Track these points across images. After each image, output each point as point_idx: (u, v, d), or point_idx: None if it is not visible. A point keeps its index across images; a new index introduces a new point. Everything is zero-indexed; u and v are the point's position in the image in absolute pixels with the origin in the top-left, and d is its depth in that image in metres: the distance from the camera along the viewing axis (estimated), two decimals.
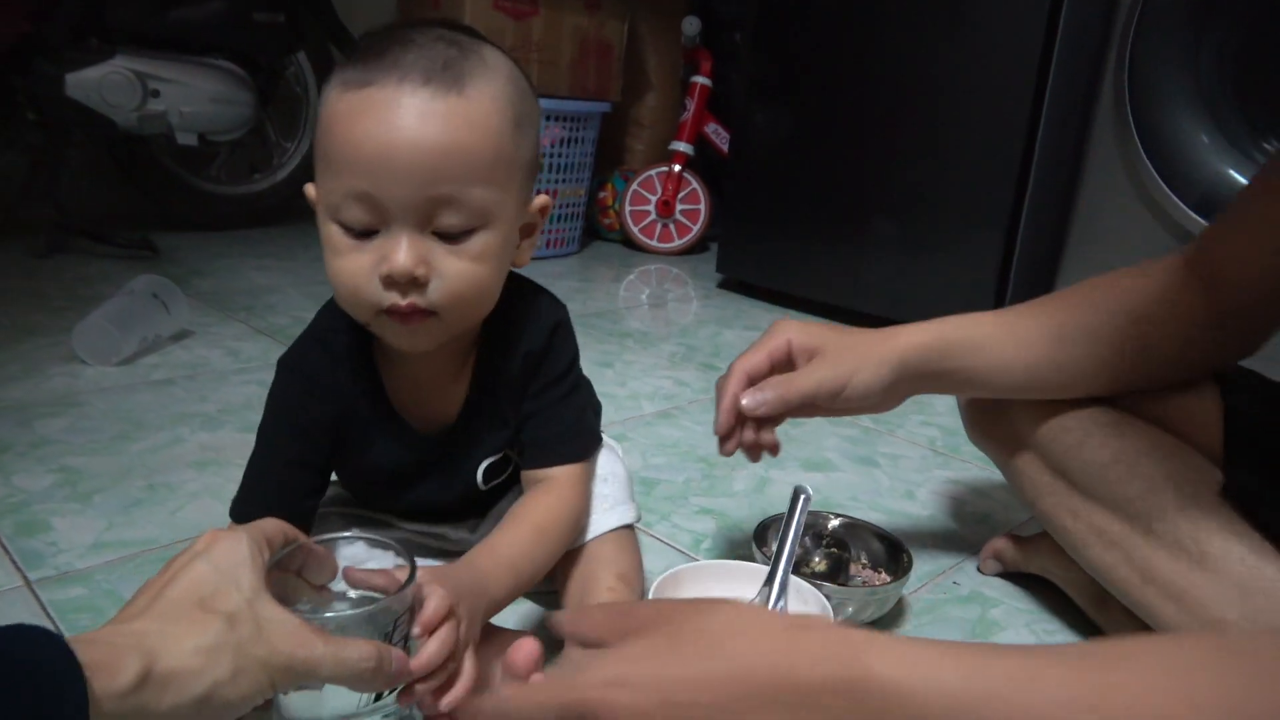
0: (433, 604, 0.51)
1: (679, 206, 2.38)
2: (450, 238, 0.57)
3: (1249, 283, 0.64)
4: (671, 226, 2.40)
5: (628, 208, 2.39)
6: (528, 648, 0.51)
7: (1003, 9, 1.52)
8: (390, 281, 0.56)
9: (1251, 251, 0.64)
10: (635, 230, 2.40)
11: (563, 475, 0.67)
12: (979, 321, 0.72)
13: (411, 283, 0.56)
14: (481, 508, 0.75)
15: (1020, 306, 0.73)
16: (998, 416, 0.78)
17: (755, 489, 1.00)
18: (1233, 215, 0.66)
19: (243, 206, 2.21)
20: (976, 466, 1.10)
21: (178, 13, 1.86)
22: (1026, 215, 1.59)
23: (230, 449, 1.00)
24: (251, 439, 0.87)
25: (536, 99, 0.62)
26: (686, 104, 2.39)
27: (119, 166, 2.07)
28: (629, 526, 0.72)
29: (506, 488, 0.74)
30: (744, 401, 0.68)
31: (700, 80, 2.36)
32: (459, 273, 0.57)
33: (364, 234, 0.56)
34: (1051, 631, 0.77)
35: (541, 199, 0.65)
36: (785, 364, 0.71)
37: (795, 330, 0.71)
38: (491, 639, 0.59)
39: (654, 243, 2.41)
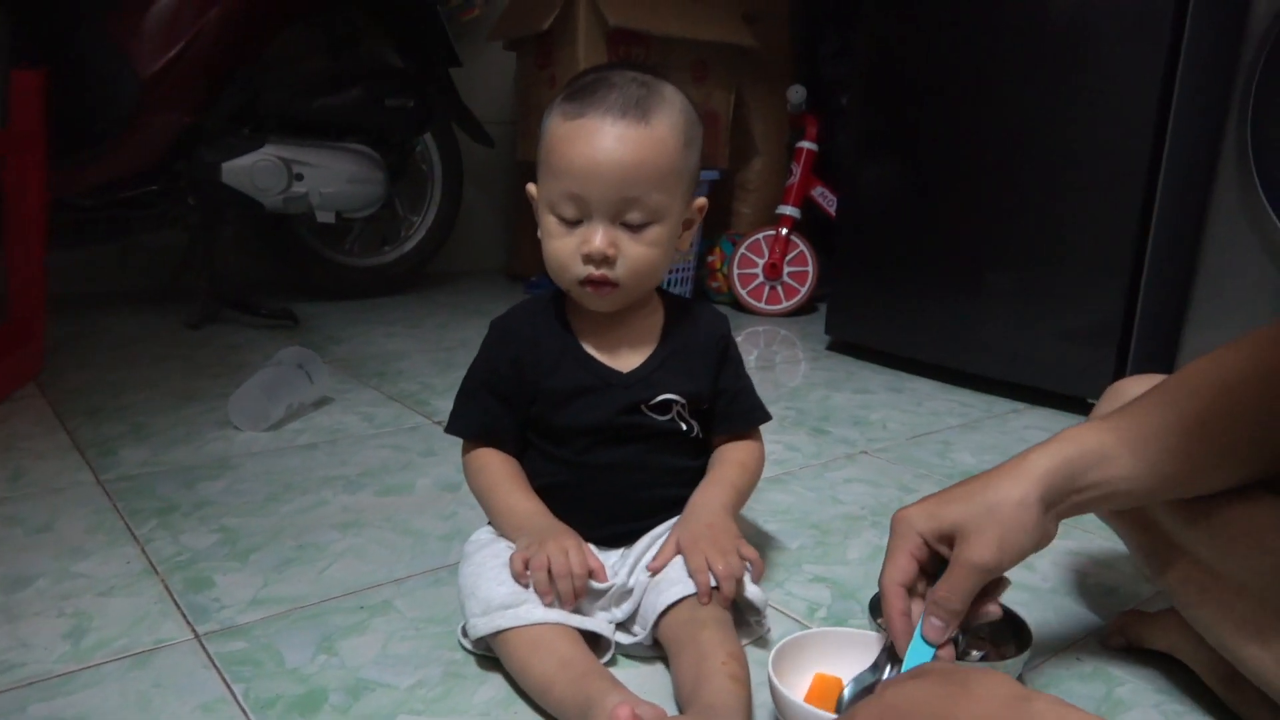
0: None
1: (786, 269, 2.41)
2: (633, 228, 0.76)
3: None
4: (779, 289, 2.43)
5: (736, 270, 2.44)
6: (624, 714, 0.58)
7: (1117, 60, 1.51)
8: (589, 258, 0.76)
9: None
10: (743, 293, 2.44)
11: (753, 434, 0.90)
12: (1095, 430, 0.67)
13: (603, 260, 0.75)
14: (629, 524, 0.84)
15: (1126, 407, 0.69)
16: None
17: (869, 557, 1.01)
18: None
19: (373, 276, 2.36)
20: (1100, 538, 1.08)
21: (320, 101, 2.03)
22: (1148, 270, 1.55)
23: (369, 510, 1.07)
24: (388, 501, 1.12)
25: (701, 123, 0.81)
26: (793, 168, 2.43)
27: (263, 242, 2.24)
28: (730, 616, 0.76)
29: (660, 508, 0.85)
30: (929, 636, 0.65)
31: (806, 145, 2.41)
32: (638, 255, 0.76)
33: (572, 223, 0.76)
34: (1180, 713, 0.75)
35: (700, 200, 0.83)
36: (930, 558, 0.67)
37: (920, 519, 0.67)
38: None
39: (762, 305, 2.44)
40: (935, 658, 0.65)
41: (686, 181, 0.79)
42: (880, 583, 0.67)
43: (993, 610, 0.67)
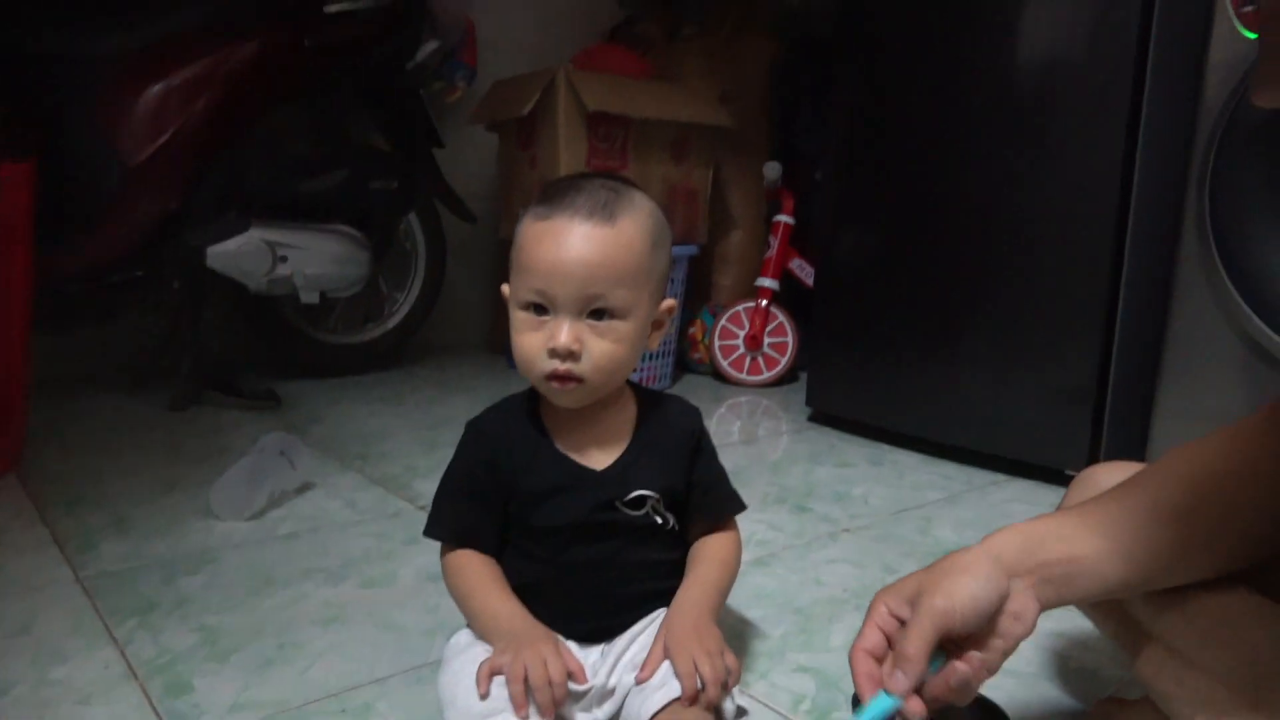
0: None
1: (767, 340, 2.44)
2: (598, 325, 0.78)
3: None
4: (760, 359, 2.45)
5: (717, 342, 2.47)
6: None
7: (1080, 132, 1.56)
8: (554, 353, 0.77)
9: None
10: (724, 364, 2.46)
11: (728, 524, 0.91)
12: (1059, 514, 0.70)
13: (569, 354, 0.77)
14: (609, 619, 0.84)
15: (1098, 498, 0.72)
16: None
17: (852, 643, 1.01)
18: None
19: (357, 353, 2.37)
20: (1081, 617, 1.08)
21: (306, 184, 2.06)
22: (1120, 339, 1.58)
23: (351, 604, 1.06)
24: (370, 593, 1.11)
25: (669, 227, 0.85)
26: (771, 241, 2.48)
27: (245, 321, 2.25)
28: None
29: (639, 603, 0.84)
30: (889, 686, 0.65)
31: (783, 219, 2.45)
32: (603, 350, 0.78)
33: (539, 320, 0.79)
34: None
35: (669, 301, 0.86)
36: (896, 628, 0.68)
37: (885, 592, 0.70)
38: None
39: (743, 376, 2.46)
40: (900, 713, 0.64)
41: (654, 281, 0.82)
42: (850, 655, 0.68)
43: (960, 669, 0.64)
